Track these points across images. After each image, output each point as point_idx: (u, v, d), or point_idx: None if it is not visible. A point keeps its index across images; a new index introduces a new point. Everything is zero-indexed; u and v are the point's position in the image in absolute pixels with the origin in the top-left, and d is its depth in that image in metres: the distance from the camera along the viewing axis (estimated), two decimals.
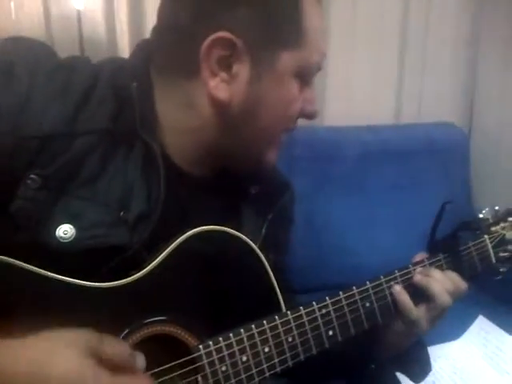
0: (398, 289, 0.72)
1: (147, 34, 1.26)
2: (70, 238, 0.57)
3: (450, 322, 0.81)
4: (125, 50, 1.28)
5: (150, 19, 1.28)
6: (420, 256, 0.78)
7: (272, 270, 0.66)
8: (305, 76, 0.67)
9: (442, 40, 1.63)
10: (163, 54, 0.66)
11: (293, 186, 0.84)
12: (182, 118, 0.66)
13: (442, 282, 0.72)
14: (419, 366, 0.80)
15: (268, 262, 0.65)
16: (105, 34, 1.26)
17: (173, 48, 0.65)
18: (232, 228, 0.64)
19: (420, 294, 0.72)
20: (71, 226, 0.57)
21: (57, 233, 0.56)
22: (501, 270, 0.85)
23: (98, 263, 0.57)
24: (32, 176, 0.57)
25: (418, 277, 0.73)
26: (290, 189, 0.82)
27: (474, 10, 1.65)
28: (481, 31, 1.68)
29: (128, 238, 0.59)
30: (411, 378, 0.81)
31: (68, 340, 0.48)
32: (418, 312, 0.71)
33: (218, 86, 0.63)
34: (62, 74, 0.61)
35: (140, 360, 0.53)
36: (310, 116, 0.71)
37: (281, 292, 0.66)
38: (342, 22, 1.50)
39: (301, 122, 0.73)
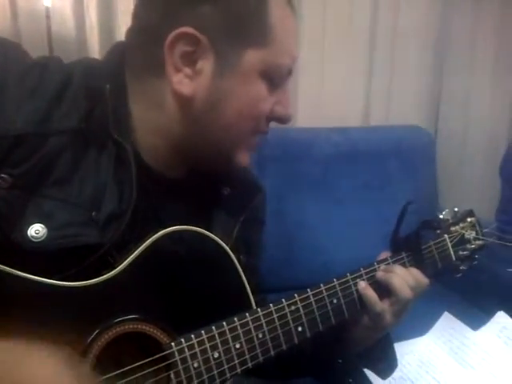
0: (363, 284, 0.74)
1: (117, 31, 1.28)
2: (41, 237, 0.56)
3: (417, 318, 0.83)
4: (94, 48, 1.27)
5: (120, 16, 1.28)
6: (384, 254, 0.80)
7: (243, 270, 0.66)
8: (273, 77, 0.67)
9: (408, 46, 1.67)
10: (136, 55, 0.67)
11: (265, 187, 0.84)
12: (153, 117, 0.66)
13: (403, 277, 0.74)
14: (386, 362, 0.82)
15: (239, 262, 0.66)
16: (74, 30, 1.24)
17: (143, 48, 0.65)
18: (203, 229, 0.64)
19: (383, 290, 0.74)
20: (43, 226, 0.56)
21: (28, 232, 0.56)
22: (461, 267, 0.89)
23: (70, 263, 0.57)
24: (3, 175, 0.56)
25: (380, 273, 0.75)
26: (261, 191, 0.83)
27: (440, 17, 1.70)
28: (446, 38, 1.73)
29: (99, 237, 0.59)
30: (378, 374, 0.82)
31: (50, 351, 0.48)
32: (382, 305, 0.73)
33: (182, 82, 0.63)
34: (34, 73, 0.61)
35: None
36: (282, 120, 0.71)
37: (252, 291, 0.67)
38: (312, 25, 1.52)
39: (272, 123, 0.73)
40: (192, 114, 0.65)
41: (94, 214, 0.60)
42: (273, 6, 0.64)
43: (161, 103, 0.65)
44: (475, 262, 0.90)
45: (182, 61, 0.62)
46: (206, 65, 0.63)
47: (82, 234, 0.58)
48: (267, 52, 0.64)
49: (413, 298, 0.75)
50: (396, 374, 1.09)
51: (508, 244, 0.96)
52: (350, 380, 0.78)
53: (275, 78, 0.67)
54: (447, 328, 1.19)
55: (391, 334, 0.82)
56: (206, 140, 0.68)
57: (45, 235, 0.56)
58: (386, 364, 0.82)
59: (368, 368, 0.82)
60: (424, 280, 0.77)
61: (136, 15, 0.68)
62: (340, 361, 0.78)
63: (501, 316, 1.16)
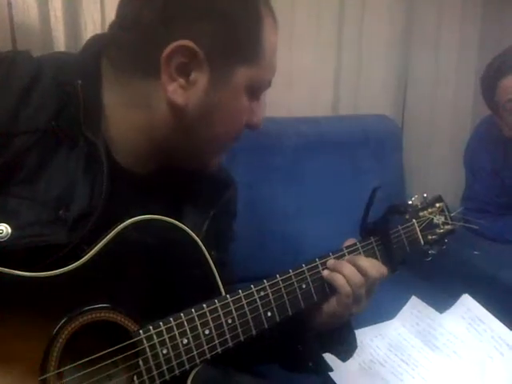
0: (326, 272, 0.74)
1: (82, 22, 1.25)
2: (5, 236, 0.56)
3: (385, 303, 0.85)
4: (60, 38, 1.24)
5: (86, 6, 1.25)
6: (350, 241, 0.81)
7: (211, 257, 0.67)
8: (256, 90, 0.69)
9: (375, 39, 1.69)
10: (121, 51, 0.66)
11: (236, 181, 0.85)
12: (133, 115, 0.66)
13: (349, 276, 0.74)
14: (346, 345, 0.83)
15: (210, 256, 0.67)
16: (38, 20, 1.21)
17: (133, 47, 0.65)
18: None
19: None
20: (7, 225, 0.56)
21: None
22: (430, 252, 0.91)
23: (37, 261, 0.56)
24: None
25: (325, 272, 0.75)
26: (233, 185, 0.84)
27: (407, 7, 1.72)
28: (412, 30, 1.76)
29: (66, 236, 0.59)
30: (338, 357, 0.83)
31: None
32: (350, 288, 0.73)
33: (176, 91, 0.64)
34: (2, 69, 0.60)
35: None
36: (253, 127, 0.73)
37: (221, 279, 0.68)
38: (281, 17, 1.51)
39: None
40: (181, 121, 0.66)
41: (61, 212, 0.59)
42: (266, 27, 0.66)
43: (147, 103, 0.65)
44: (444, 247, 0.92)
45: (177, 71, 0.63)
46: (200, 77, 0.64)
47: (47, 233, 0.58)
48: (256, 69, 0.67)
49: (367, 289, 0.75)
50: (366, 357, 1.12)
51: (474, 227, 0.99)
52: (310, 364, 0.79)
53: (257, 91, 0.70)
54: (414, 311, 1.22)
55: (360, 319, 0.84)
56: (188, 145, 0.69)
57: (9, 235, 0.56)
58: (346, 346, 0.83)
59: (328, 351, 0.82)
60: (382, 269, 0.77)
61: (123, 11, 0.67)
62: (300, 347, 0.78)
63: (465, 299, 1.20)
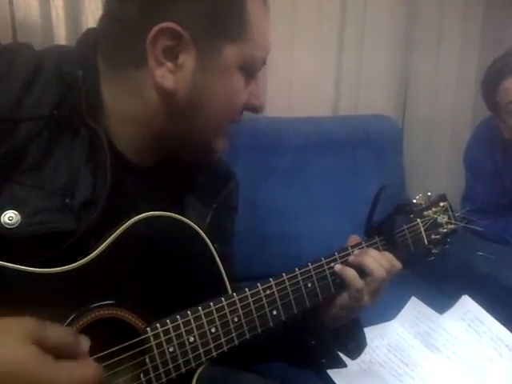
0: (339, 266, 0.75)
1: (84, 20, 1.25)
2: (15, 223, 0.56)
3: (385, 304, 0.85)
4: (61, 36, 1.24)
5: (87, 4, 1.25)
6: (353, 238, 0.82)
7: (217, 255, 0.67)
8: (249, 69, 0.69)
9: (377, 39, 1.69)
10: (111, 43, 0.66)
11: (236, 175, 0.85)
12: (129, 106, 0.66)
13: (376, 258, 0.76)
14: (355, 342, 0.83)
15: (214, 247, 0.67)
16: (39, 18, 1.21)
17: (120, 37, 0.65)
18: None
19: (358, 272, 0.75)
20: (16, 212, 0.56)
21: (1, 219, 0.55)
22: (433, 251, 0.91)
23: (45, 249, 0.56)
24: None
25: (351, 257, 0.76)
26: (234, 178, 0.84)
27: (408, 8, 1.73)
28: (413, 31, 1.77)
29: (74, 224, 0.59)
30: (347, 355, 0.84)
31: (7, 327, 0.46)
32: (362, 281, 0.74)
33: (164, 76, 0.63)
34: (4, 59, 0.60)
35: (85, 343, 0.50)
36: (255, 109, 0.73)
37: (227, 275, 0.67)
38: (282, 18, 1.52)
39: (244, 113, 0.74)
40: (173, 106, 0.66)
41: (67, 200, 0.59)
42: (249, 3, 0.66)
43: (139, 93, 0.65)
44: (447, 246, 0.92)
45: (164, 55, 0.63)
46: (188, 59, 0.64)
47: (57, 220, 0.58)
48: (245, 46, 0.66)
49: (387, 280, 0.76)
50: (365, 357, 1.12)
51: (478, 228, 0.99)
52: (323, 360, 0.79)
53: (251, 70, 0.69)
54: (414, 312, 1.23)
55: (360, 319, 0.84)
56: (185, 130, 0.68)
57: (18, 222, 0.56)
58: (355, 344, 0.83)
59: (338, 349, 0.82)
60: (397, 263, 0.79)
61: (109, 3, 0.67)
62: (313, 342, 0.78)
63: (465, 300, 1.21)
